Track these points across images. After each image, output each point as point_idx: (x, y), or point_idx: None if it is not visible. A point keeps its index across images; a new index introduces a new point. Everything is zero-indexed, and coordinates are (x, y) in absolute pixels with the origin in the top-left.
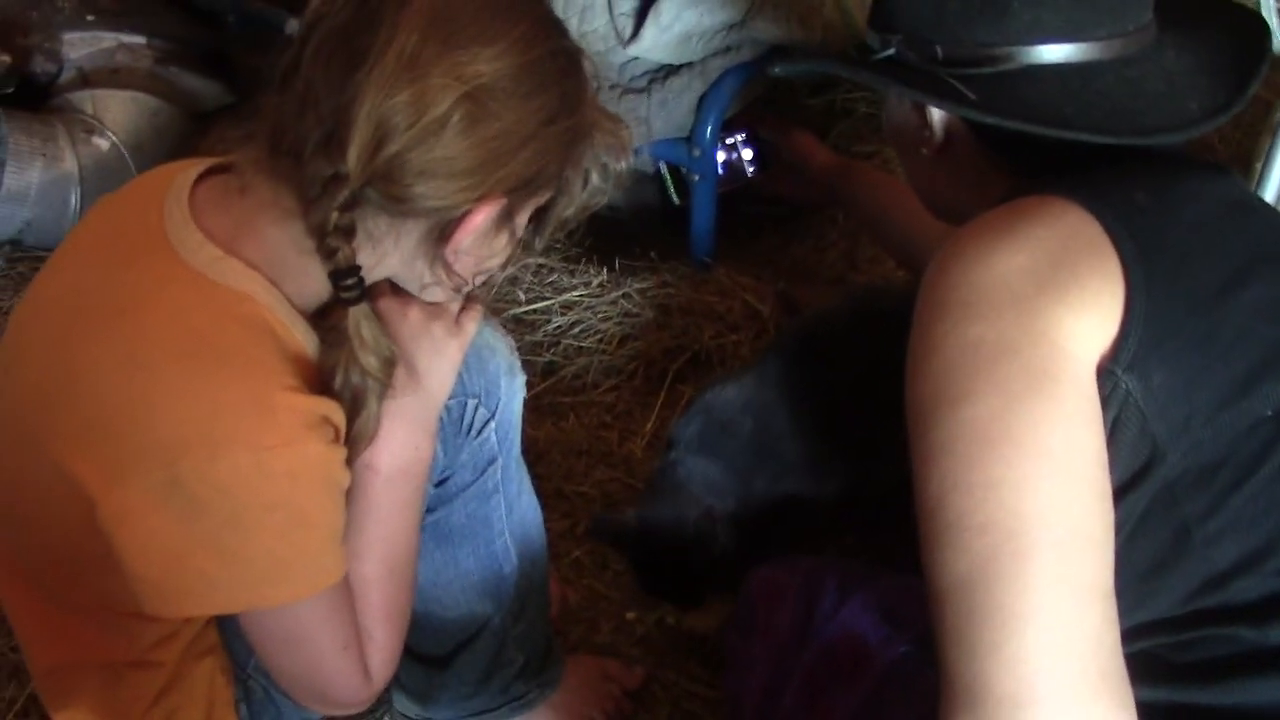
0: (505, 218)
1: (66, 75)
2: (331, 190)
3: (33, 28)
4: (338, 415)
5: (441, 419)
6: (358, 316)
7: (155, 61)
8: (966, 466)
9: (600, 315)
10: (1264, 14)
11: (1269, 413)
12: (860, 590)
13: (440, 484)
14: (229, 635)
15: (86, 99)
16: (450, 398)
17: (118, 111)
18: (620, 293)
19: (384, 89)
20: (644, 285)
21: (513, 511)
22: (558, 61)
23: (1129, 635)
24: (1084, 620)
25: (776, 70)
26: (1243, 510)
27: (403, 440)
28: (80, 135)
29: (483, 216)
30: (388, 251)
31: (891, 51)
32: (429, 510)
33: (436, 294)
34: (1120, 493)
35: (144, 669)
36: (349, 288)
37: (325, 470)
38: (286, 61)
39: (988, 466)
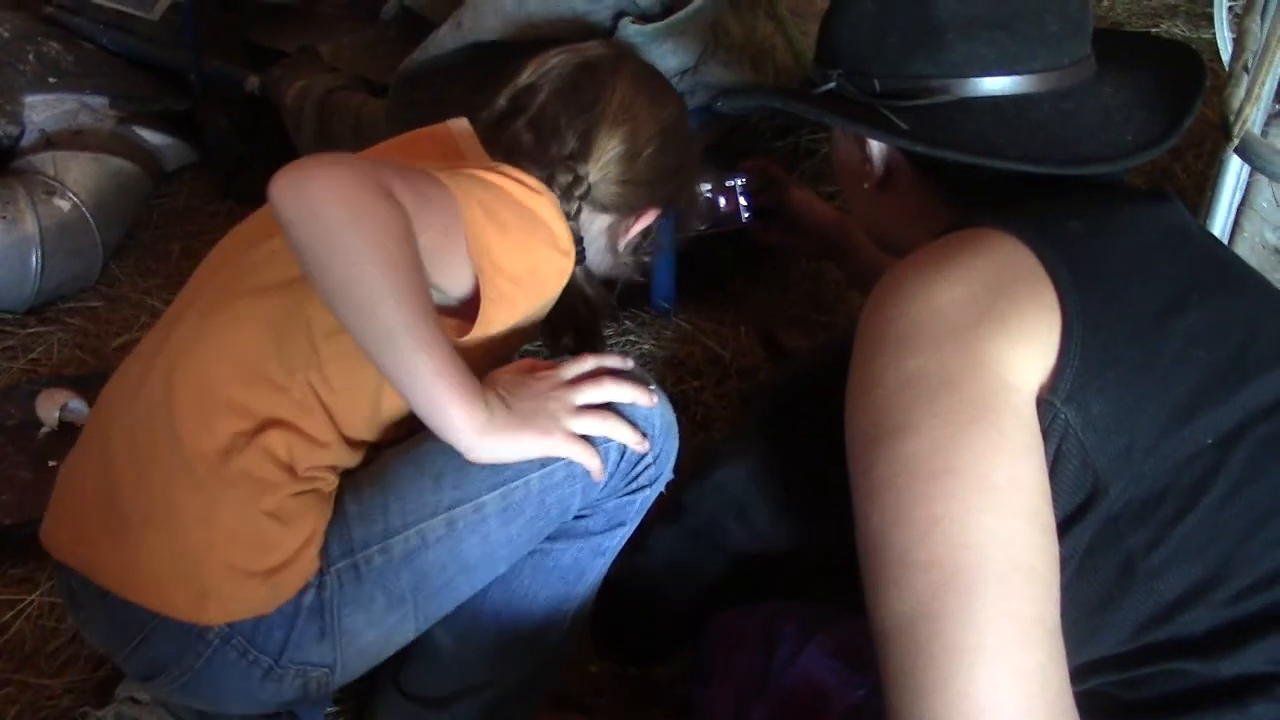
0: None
1: (29, 138)
2: (575, 186)
3: None
4: (566, 264)
5: (618, 458)
6: (579, 273)
7: (117, 122)
8: (909, 502)
9: None
10: (1217, 31)
11: (1209, 440)
12: (819, 634)
13: (579, 517)
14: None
15: (48, 160)
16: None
17: (79, 172)
18: None
19: (613, 122)
20: (604, 333)
21: (595, 581)
22: (687, 124)
23: (1077, 673)
24: (1030, 656)
25: (719, 105)
26: (1187, 541)
27: (468, 382)
28: (41, 196)
29: (649, 218)
30: (584, 230)
31: (832, 85)
32: (550, 539)
33: (605, 260)
34: (1064, 527)
35: (300, 482)
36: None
37: (551, 262)
38: (521, 93)
39: (930, 502)
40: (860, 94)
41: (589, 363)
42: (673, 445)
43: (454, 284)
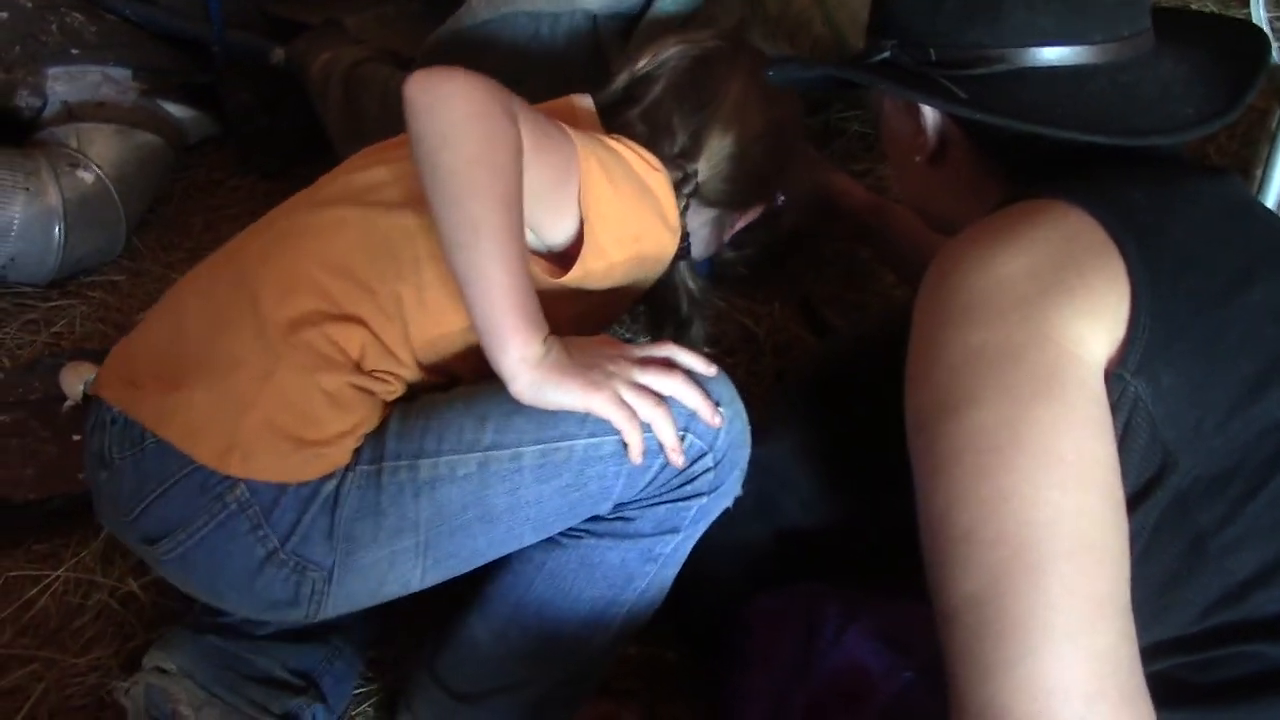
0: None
1: (51, 109)
2: (684, 184)
3: (16, 62)
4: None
5: (663, 455)
6: (683, 266)
7: (140, 94)
8: (975, 477)
9: None
10: (1253, 9)
11: None
12: (861, 617)
13: (620, 516)
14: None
15: (71, 132)
16: (691, 447)
17: (102, 144)
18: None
19: (726, 122)
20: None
21: (649, 589)
22: (800, 120)
23: (1146, 654)
24: (1100, 636)
25: (771, 75)
26: (1259, 519)
27: (536, 324)
28: (64, 169)
29: (755, 212)
30: (690, 224)
31: (886, 55)
32: (596, 535)
33: (709, 252)
34: (1133, 503)
35: (363, 377)
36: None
37: (654, 219)
38: (637, 82)
39: (997, 476)
40: (915, 64)
41: (666, 349)
42: (737, 456)
43: (554, 229)
